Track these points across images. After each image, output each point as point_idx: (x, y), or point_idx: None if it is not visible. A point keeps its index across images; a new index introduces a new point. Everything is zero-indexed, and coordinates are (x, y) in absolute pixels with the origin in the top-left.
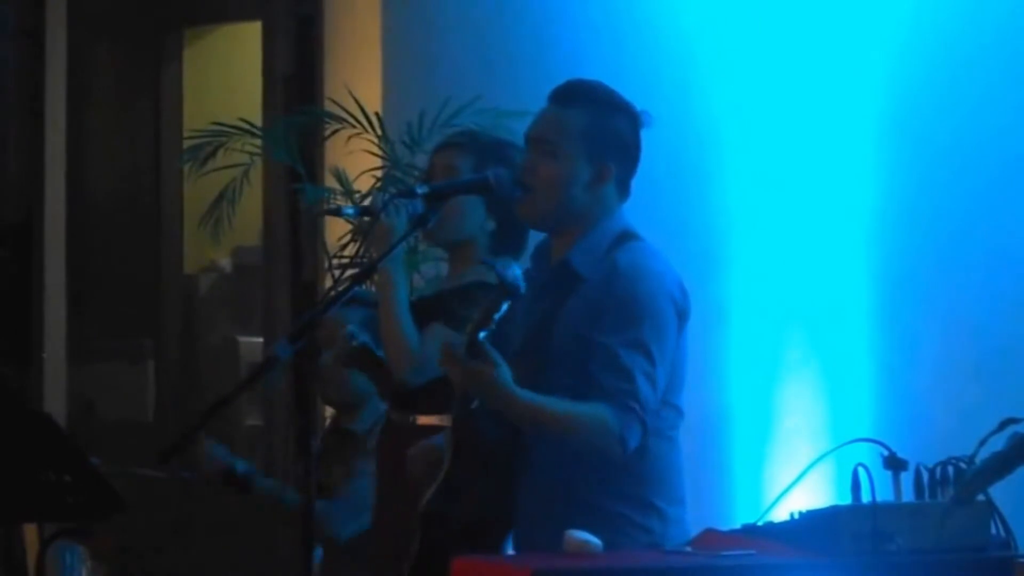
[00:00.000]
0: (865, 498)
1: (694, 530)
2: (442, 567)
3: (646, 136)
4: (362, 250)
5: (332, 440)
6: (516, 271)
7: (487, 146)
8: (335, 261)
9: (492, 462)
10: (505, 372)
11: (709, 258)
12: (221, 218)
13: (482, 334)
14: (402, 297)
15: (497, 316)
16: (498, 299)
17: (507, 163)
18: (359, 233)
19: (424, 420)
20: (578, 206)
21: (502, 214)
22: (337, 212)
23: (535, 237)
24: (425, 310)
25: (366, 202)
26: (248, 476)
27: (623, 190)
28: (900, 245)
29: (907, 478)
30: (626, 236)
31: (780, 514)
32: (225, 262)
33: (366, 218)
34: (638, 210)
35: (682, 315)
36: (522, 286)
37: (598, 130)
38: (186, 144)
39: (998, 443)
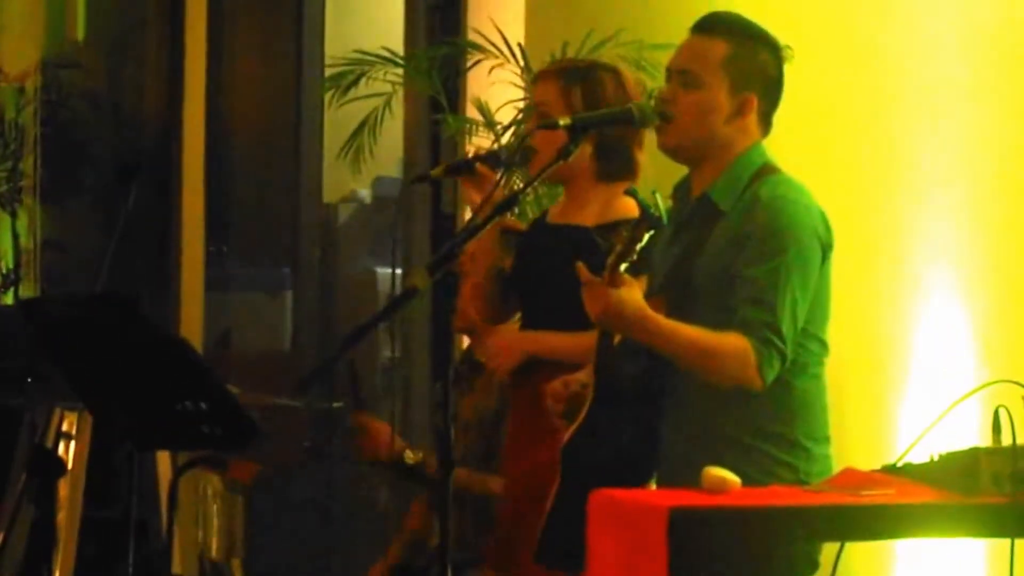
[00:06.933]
0: (1006, 440)
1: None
2: (582, 505)
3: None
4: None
5: (465, 371)
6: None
7: (571, 72)
8: None
9: (636, 401)
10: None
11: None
12: (362, 147)
13: (623, 266)
14: None
15: (639, 247)
16: (640, 229)
17: (593, 85)
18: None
19: None
20: (719, 137)
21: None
22: (424, 179)
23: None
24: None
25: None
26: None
27: (766, 124)
28: None
29: None
30: (767, 170)
31: (919, 455)
32: (364, 192)
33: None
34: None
35: (825, 248)
36: (663, 218)
37: (740, 60)
38: (328, 72)
39: None
